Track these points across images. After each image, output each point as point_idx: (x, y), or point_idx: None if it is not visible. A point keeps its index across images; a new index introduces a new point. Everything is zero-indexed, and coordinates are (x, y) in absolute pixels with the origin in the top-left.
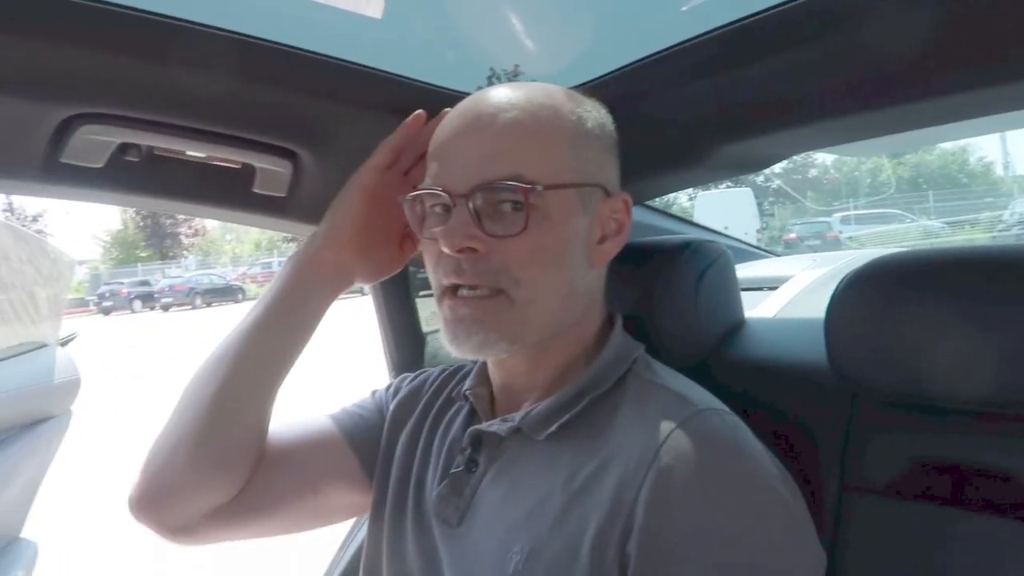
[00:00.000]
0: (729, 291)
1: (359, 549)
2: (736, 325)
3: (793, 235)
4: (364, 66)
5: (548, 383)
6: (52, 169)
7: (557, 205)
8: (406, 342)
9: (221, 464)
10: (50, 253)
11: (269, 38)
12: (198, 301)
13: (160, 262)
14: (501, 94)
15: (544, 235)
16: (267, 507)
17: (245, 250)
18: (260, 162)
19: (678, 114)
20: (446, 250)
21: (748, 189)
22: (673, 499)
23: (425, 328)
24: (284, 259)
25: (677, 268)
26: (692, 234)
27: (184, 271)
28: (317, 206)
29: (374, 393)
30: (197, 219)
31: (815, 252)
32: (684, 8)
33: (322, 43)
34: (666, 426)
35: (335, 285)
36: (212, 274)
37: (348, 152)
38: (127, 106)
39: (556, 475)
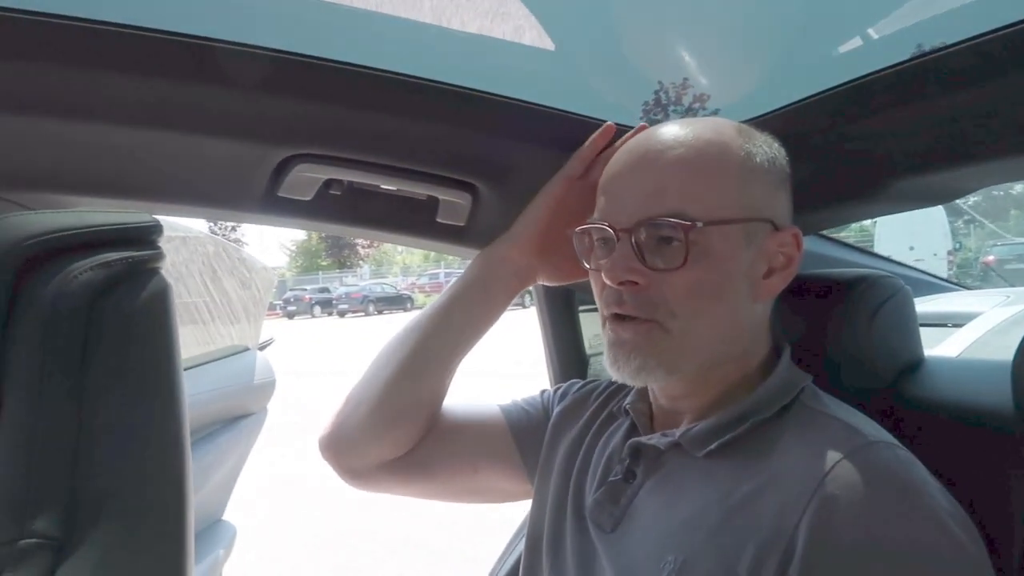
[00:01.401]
0: (906, 328)
1: (518, 561)
2: (913, 363)
3: (991, 258)
4: (538, 104)
5: (708, 406)
6: (270, 201)
7: (719, 240)
8: (569, 362)
9: (395, 423)
10: (250, 264)
11: (454, 82)
12: (370, 308)
13: (338, 271)
14: (670, 131)
15: (704, 270)
16: (429, 471)
17: (415, 261)
18: (443, 194)
19: (857, 147)
20: (608, 282)
21: (939, 206)
22: (838, 529)
23: (588, 350)
24: (450, 270)
25: (851, 303)
26: (869, 264)
27: (359, 280)
28: (493, 235)
29: (543, 393)
30: None
31: (1018, 277)
32: (874, 35)
33: (500, 84)
34: (833, 455)
35: (517, 282)
36: (384, 283)
37: (523, 186)
38: (334, 147)
39: (713, 490)
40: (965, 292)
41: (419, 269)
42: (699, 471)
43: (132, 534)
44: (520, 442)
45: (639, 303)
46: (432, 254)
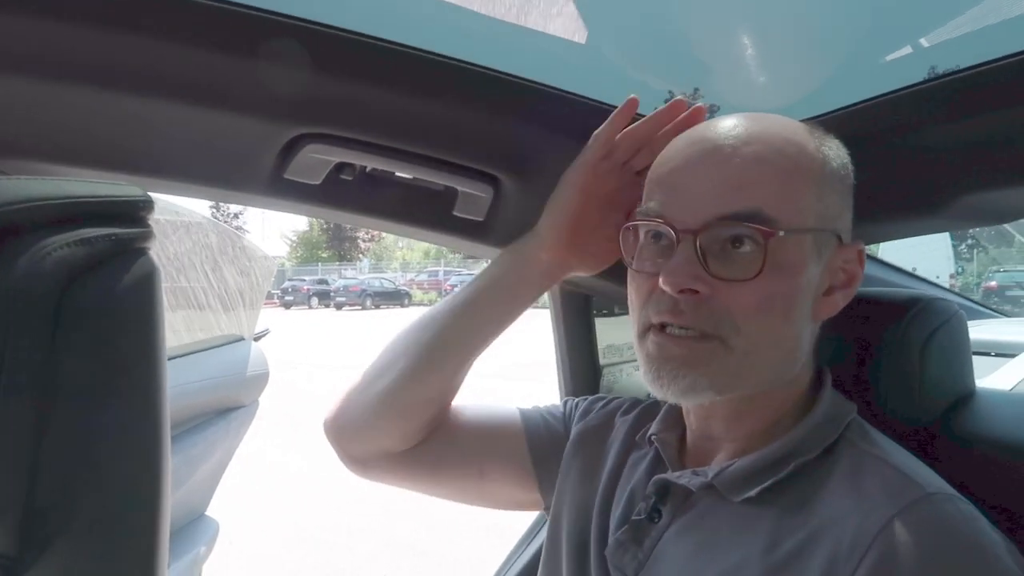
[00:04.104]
0: (960, 357)
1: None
2: (965, 396)
3: (993, 283)
4: (568, 92)
5: (748, 437)
6: (276, 184)
7: (794, 251)
8: (582, 371)
9: (402, 416)
10: (251, 253)
11: (479, 63)
12: (368, 302)
13: (338, 263)
14: (739, 124)
15: (777, 283)
16: (435, 469)
17: (414, 257)
18: (462, 186)
19: (917, 158)
20: (667, 288)
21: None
22: None
23: (601, 360)
24: (450, 269)
25: (903, 327)
26: (909, 285)
27: (358, 273)
28: (513, 232)
29: (565, 403)
30: None
31: (1018, 305)
32: (946, 35)
33: (529, 69)
34: (887, 508)
35: (546, 281)
36: (383, 278)
37: (548, 181)
38: (348, 128)
39: (753, 541)
40: (1005, 320)
41: (419, 266)
42: (736, 518)
43: (98, 548)
44: (534, 450)
45: (700, 315)
46: (432, 251)
